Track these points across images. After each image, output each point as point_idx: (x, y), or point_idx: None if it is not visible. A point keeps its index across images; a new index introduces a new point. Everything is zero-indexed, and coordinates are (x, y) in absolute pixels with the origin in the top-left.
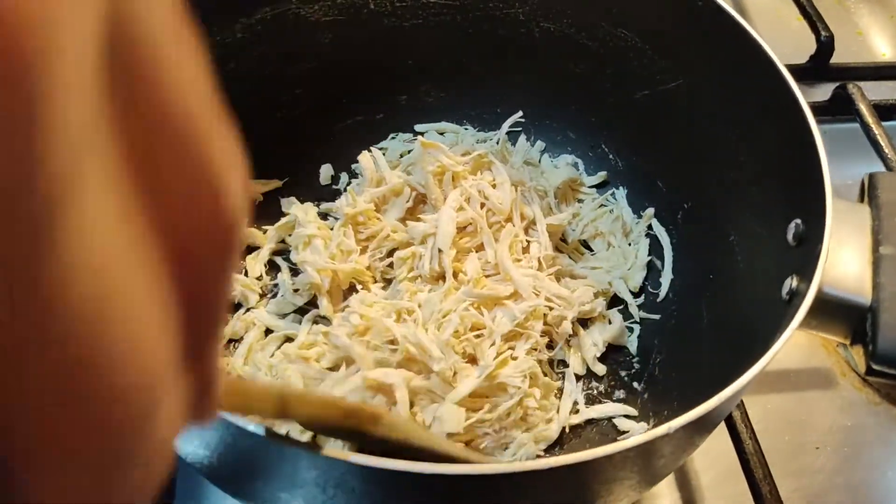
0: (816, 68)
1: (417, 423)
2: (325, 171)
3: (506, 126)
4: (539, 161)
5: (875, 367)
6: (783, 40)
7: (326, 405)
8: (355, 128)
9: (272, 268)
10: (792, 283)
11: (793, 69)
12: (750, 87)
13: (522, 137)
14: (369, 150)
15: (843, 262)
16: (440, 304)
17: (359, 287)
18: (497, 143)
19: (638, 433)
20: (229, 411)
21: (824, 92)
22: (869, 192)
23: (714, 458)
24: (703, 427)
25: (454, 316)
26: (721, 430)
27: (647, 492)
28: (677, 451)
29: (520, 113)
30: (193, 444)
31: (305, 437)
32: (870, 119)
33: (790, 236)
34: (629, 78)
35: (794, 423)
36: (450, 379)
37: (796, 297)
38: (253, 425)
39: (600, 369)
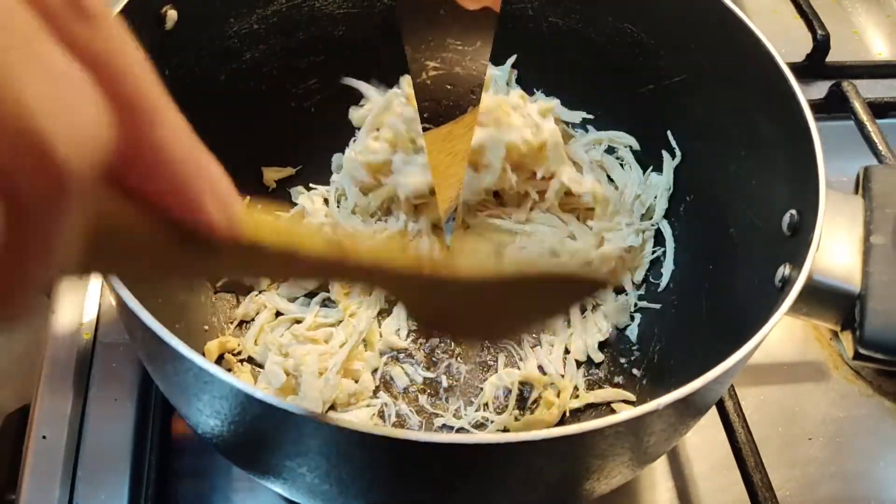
0: (813, 66)
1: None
2: (337, 160)
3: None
4: None
5: (863, 351)
6: (780, 38)
7: (388, 250)
8: None
9: None
10: (784, 271)
11: (789, 67)
12: (751, 82)
13: None
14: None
15: (836, 251)
16: None
17: None
18: None
19: None
20: (275, 251)
21: (820, 90)
22: (863, 183)
23: (708, 448)
24: (692, 406)
25: None
26: (714, 421)
27: (640, 472)
28: (668, 429)
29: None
30: (205, 414)
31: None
32: (864, 116)
33: (785, 226)
34: (635, 72)
35: (788, 414)
36: None
37: (788, 284)
38: (260, 392)
39: (598, 357)
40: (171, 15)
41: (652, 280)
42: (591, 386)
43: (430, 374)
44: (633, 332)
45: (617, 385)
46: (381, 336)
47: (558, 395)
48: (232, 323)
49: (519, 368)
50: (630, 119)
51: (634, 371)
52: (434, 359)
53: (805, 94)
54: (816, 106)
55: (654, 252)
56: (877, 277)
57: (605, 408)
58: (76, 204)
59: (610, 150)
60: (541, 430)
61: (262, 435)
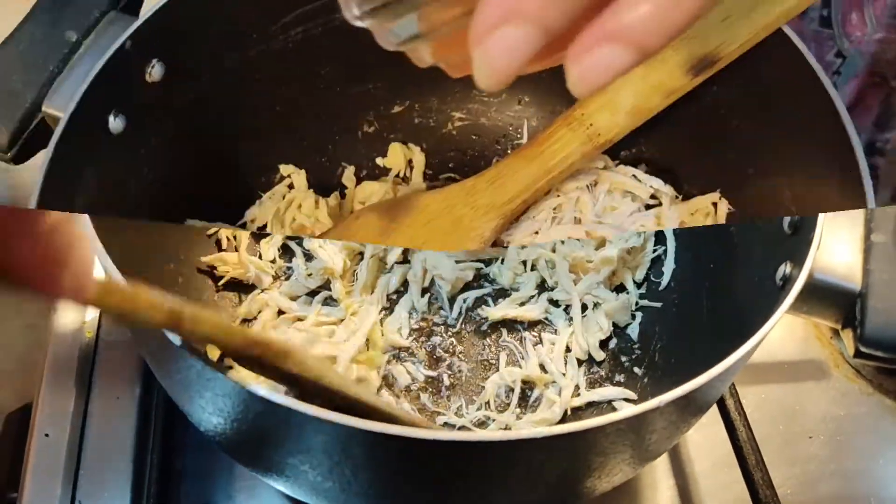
0: None
1: (330, 366)
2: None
3: None
4: None
5: (863, 349)
6: None
7: (228, 331)
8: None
9: (286, 252)
10: (785, 269)
11: None
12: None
13: None
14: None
15: (836, 250)
16: None
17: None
18: None
19: None
20: (110, 312)
21: None
22: None
23: (709, 446)
24: (693, 404)
25: None
26: (716, 419)
27: (641, 470)
28: (670, 427)
29: None
30: (208, 412)
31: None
32: None
33: (786, 224)
34: None
35: (788, 412)
36: None
37: (789, 282)
38: (264, 390)
39: (599, 355)
40: None
41: (653, 279)
42: (592, 384)
43: (431, 373)
44: (634, 331)
45: (618, 383)
46: (382, 334)
47: (560, 394)
48: (234, 321)
49: (520, 367)
50: None
51: (635, 369)
52: (436, 357)
53: None
54: None
55: (654, 251)
56: (877, 275)
57: (607, 406)
58: None
59: None
60: (542, 428)
61: (265, 432)
